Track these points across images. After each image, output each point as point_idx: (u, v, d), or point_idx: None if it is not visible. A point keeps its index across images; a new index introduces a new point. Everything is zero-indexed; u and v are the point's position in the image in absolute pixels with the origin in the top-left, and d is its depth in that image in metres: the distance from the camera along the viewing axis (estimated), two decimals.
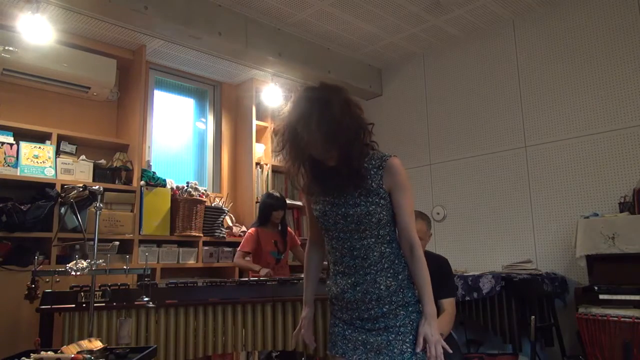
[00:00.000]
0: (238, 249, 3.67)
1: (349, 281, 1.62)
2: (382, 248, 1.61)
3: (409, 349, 1.56)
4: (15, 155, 3.34)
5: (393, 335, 1.58)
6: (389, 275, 1.60)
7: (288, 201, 3.83)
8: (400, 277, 1.61)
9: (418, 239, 1.62)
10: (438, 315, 2.48)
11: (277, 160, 4.71)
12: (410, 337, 1.58)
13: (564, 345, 3.37)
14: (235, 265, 3.83)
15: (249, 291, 2.85)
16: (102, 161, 3.77)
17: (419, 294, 1.61)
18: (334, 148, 1.55)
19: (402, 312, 1.59)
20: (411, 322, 1.59)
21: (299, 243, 3.87)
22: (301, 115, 1.54)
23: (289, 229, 3.86)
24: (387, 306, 1.59)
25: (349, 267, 1.63)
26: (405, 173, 1.63)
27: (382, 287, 1.59)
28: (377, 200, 1.59)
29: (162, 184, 3.91)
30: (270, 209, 3.65)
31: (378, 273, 1.59)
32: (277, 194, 3.71)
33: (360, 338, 1.62)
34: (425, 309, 1.59)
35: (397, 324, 1.58)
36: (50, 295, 2.59)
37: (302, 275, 3.10)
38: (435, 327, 1.57)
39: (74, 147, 3.72)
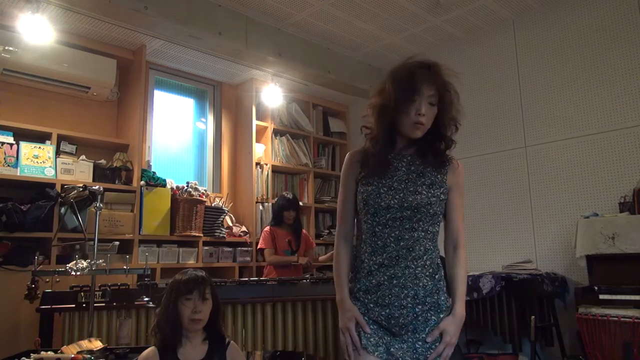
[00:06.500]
0: (259, 247, 3.84)
1: (388, 273, 1.53)
2: (427, 244, 1.56)
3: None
4: (15, 155, 3.34)
5: (420, 343, 1.51)
6: (427, 273, 1.54)
7: None
8: (436, 277, 1.57)
9: (464, 241, 1.63)
10: None
11: (277, 160, 4.71)
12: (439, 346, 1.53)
13: (564, 345, 3.36)
14: (271, 263, 3.75)
15: (249, 291, 2.85)
16: (102, 161, 3.77)
17: (456, 293, 1.57)
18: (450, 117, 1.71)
19: (433, 317, 1.53)
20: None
21: (314, 246, 3.96)
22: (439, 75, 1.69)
23: (304, 231, 3.99)
24: (420, 306, 1.52)
25: (390, 257, 1.53)
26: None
27: (420, 284, 1.52)
28: (438, 193, 1.59)
29: (162, 184, 3.91)
30: (281, 210, 3.82)
31: (419, 269, 1.53)
32: (290, 196, 3.87)
33: (386, 338, 1.53)
34: (457, 309, 1.55)
35: (426, 329, 1.52)
36: (50, 295, 2.60)
37: (307, 276, 3.14)
38: (458, 330, 1.53)
39: (74, 147, 3.72)
